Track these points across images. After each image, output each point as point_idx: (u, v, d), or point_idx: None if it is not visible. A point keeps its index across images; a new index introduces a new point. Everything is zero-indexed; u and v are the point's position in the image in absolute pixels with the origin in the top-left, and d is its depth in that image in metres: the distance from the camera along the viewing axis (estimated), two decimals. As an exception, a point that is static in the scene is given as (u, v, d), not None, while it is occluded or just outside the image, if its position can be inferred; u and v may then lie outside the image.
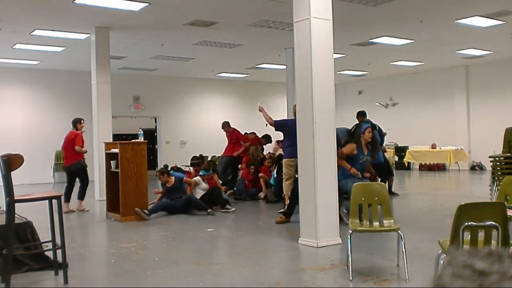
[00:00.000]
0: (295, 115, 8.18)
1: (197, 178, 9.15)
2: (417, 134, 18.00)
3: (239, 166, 11.00)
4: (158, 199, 8.85)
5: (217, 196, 8.90)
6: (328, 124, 5.83)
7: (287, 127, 8.11)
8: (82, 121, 9.38)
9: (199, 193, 8.90)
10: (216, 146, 16.54)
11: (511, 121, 10.72)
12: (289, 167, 8.15)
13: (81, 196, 9.27)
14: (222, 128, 11.61)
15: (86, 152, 9.23)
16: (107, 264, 5.33)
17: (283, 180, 8.32)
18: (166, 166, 9.20)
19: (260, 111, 8.36)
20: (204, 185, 9.08)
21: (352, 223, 4.57)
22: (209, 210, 8.35)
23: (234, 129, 11.50)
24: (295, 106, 8.29)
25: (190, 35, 11.46)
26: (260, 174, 10.33)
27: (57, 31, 10.70)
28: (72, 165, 9.18)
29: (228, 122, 11.66)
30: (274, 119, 8.29)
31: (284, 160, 8.33)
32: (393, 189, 10.22)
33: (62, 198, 4.63)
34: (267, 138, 11.49)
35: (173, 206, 8.49)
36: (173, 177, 8.84)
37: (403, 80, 18.86)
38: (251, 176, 10.40)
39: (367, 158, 7.35)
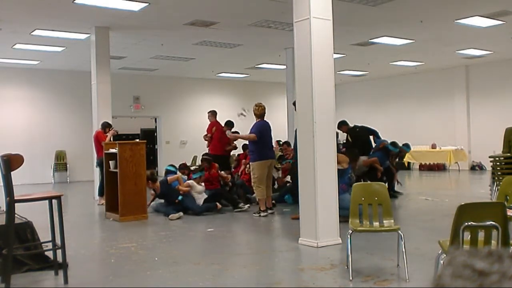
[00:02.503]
0: (258, 117, 8.27)
1: (190, 181, 8.99)
2: (417, 134, 18.00)
3: (242, 161, 10.83)
4: (151, 200, 8.80)
5: (226, 196, 8.96)
6: (328, 124, 5.83)
7: (264, 129, 8.21)
8: (112, 128, 9.88)
9: (197, 198, 8.74)
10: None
11: (511, 121, 10.73)
12: (262, 169, 8.12)
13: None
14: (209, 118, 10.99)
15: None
16: (107, 264, 5.33)
17: (255, 185, 8.19)
18: (152, 174, 8.92)
19: (234, 140, 8.20)
20: (199, 188, 8.90)
21: (352, 223, 4.57)
22: (219, 207, 8.44)
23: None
24: (257, 107, 8.31)
25: (190, 35, 11.46)
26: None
27: (57, 31, 10.70)
28: (98, 159, 9.89)
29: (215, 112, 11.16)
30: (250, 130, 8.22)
31: (258, 163, 8.13)
32: (395, 188, 10.32)
33: (62, 198, 4.62)
34: (229, 124, 10.70)
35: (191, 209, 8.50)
36: (158, 183, 8.70)
37: (403, 80, 18.86)
38: (247, 176, 10.19)
39: (352, 175, 7.77)
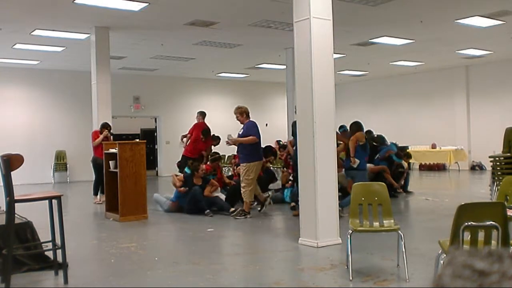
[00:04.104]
0: (247, 117, 8.19)
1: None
2: (417, 134, 18.00)
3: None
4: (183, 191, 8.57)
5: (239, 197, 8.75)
6: (328, 124, 5.83)
7: (258, 129, 8.19)
8: (108, 128, 9.93)
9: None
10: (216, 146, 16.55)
11: (511, 121, 10.73)
12: (258, 170, 8.14)
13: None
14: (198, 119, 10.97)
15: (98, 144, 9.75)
16: (107, 264, 5.33)
17: (248, 187, 7.98)
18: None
19: (234, 144, 8.11)
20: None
21: (352, 223, 4.57)
22: (231, 209, 8.36)
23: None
24: (244, 107, 8.26)
25: (190, 35, 11.46)
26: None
27: (57, 31, 10.70)
28: (92, 158, 10.06)
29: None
30: (249, 132, 8.03)
31: (255, 164, 8.01)
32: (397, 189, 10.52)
33: (62, 198, 4.62)
34: (215, 139, 10.94)
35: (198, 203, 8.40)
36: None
37: (403, 80, 18.86)
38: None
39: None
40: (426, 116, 18.27)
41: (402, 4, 9.23)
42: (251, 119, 8.27)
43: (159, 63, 15.22)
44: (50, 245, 4.71)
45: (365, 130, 10.53)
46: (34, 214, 5.51)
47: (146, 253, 5.76)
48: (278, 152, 12.93)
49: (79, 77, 15.15)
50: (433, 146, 17.27)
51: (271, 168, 12.09)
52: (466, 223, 3.14)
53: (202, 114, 11.10)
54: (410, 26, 11.01)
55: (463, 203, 3.26)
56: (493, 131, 14.13)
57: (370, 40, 12.43)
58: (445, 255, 3.28)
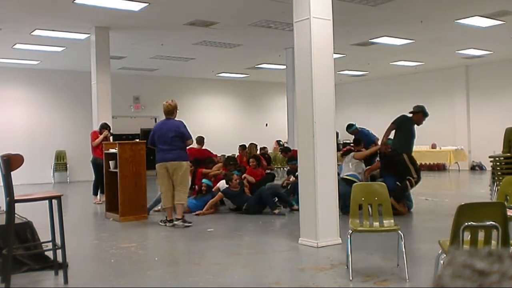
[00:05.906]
0: (168, 114, 7.35)
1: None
2: (417, 134, 17.95)
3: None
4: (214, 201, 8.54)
5: (265, 197, 8.47)
6: (328, 124, 5.83)
7: (158, 130, 7.36)
8: (108, 128, 10.01)
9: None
10: (216, 145, 16.57)
11: (511, 121, 10.73)
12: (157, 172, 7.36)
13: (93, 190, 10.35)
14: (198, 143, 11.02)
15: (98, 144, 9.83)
16: (107, 264, 5.33)
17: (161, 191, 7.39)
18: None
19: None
20: None
21: (352, 223, 4.57)
22: (276, 210, 8.29)
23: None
24: (165, 103, 7.42)
25: (190, 35, 11.46)
26: (244, 175, 9.48)
27: (57, 31, 10.71)
28: (91, 158, 10.15)
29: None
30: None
31: (156, 165, 7.32)
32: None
33: (62, 198, 4.62)
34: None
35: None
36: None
37: (403, 80, 18.86)
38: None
39: None
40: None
41: (402, 4, 9.23)
42: (165, 119, 7.44)
43: (159, 63, 15.23)
44: (50, 245, 4.71)
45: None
46: (34, 214, 5.51)
47: (146, 253, 5.76)
48: (281, 154, 12.94)
49: (79, 77, 15.16)
50: (433, 146, 17.27)
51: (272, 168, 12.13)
52: (466, 223, 3.14)
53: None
54: (410, 26, 11.01)
55: (463, 203, 3.25)
56: (493, 131, 14.12)
57: (370, 40, 12.44)
58: (445, 255, 3.29)
